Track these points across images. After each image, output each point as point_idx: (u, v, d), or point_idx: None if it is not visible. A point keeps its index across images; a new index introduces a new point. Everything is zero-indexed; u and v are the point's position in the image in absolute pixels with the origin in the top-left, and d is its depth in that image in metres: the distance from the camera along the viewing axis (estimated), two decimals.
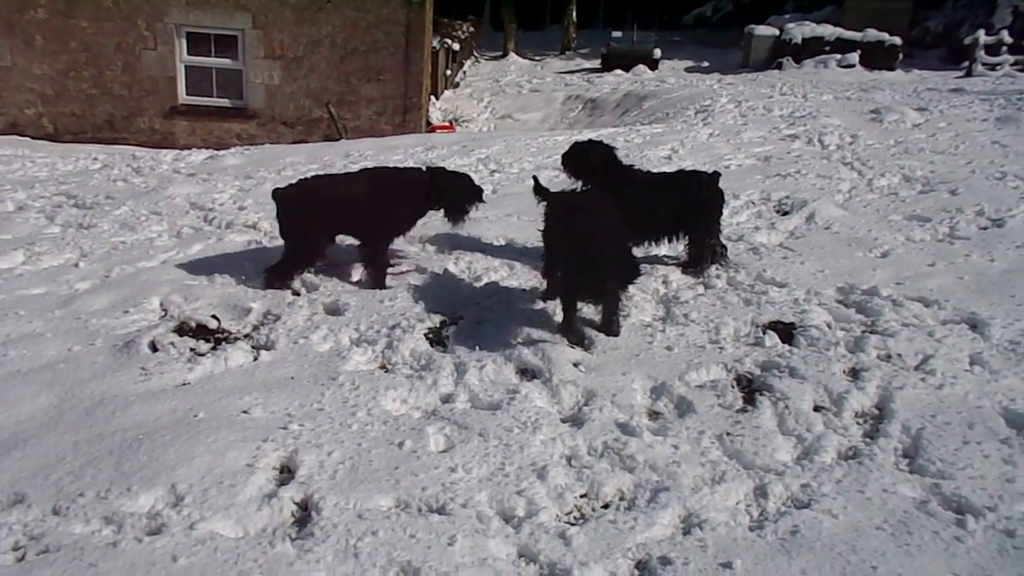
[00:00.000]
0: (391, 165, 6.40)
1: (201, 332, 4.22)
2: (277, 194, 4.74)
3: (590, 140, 5.66)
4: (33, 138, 12.76)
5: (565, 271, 4.15)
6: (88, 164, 9.21)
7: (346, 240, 5.03)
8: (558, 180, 5.99)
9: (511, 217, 6.15)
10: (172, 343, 4.04)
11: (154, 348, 3.99)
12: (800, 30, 20.69)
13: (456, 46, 20.00)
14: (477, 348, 3.96)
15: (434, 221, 5.25)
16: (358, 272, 4.94)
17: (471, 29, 24.52)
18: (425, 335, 4.15)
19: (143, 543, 2.56)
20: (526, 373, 3.77)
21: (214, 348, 4.05)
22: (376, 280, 4.80)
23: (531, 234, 5.35)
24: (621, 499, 2.88)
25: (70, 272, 5.14)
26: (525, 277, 4.93)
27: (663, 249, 5.24)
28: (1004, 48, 18.14)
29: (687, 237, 5.06)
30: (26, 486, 2.86)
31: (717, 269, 4.99)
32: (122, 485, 2.85)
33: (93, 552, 2.51)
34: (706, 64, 23.46)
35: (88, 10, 12.83)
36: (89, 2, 12.78)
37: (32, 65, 13.05)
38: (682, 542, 2.63)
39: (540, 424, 3.29)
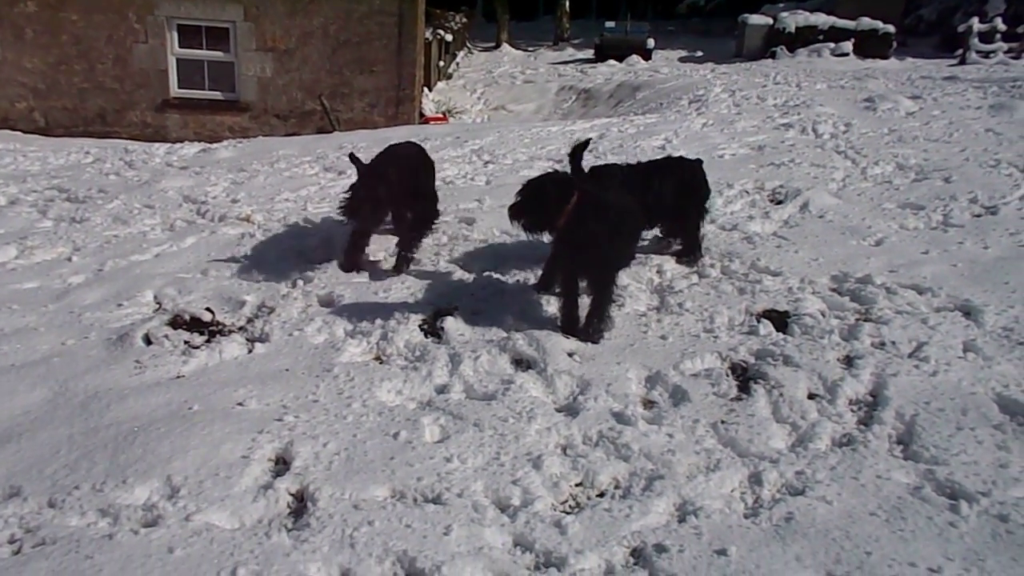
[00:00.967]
0: None
1: (195, 325, 4.21)
2: None
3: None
4: (24, 132, 12.67)
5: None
6: (80, 158, 9.15)
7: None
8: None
9: (505, 208, 6.12)
10: (166, 336, 4.03)
11: (148, 341, 3.99)
12: (794, 19, 20.66)
13: (449, 37, 19.94)
14: (472, 339, 3.96)
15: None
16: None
17: (464, 20, 24.43)
18: (419, 326, 4.15)
19: (139, 535, 2.56)
20: (521, 363, 3.77)
21: (208, 341, 4.05)
22: None
23: None
24: (616, 488, 2.89)
25: (63, 266, 5.12)
26: (519, 268, 4.92)
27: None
28: (998, 36, 18.14)
29: (673, 224, 5.05)
30: (21, 479, 2.86)
31: (711, 258, 4.99)
32: (117, 477, 2.85)
33: (89, 544, 2.51)
34: (700, 54, 23.42)
35: (78, 3, 12.73)
36: None
37: (22, 59, 12.96)
38: (677, 530, 2.64)
39: (535, 414, 3.29)
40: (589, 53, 24.53)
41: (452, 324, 4.13)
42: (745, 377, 3.67)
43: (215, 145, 9.65)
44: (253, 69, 13.34)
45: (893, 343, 3.89)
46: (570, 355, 3.81)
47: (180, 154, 9.12)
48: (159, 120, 13.51)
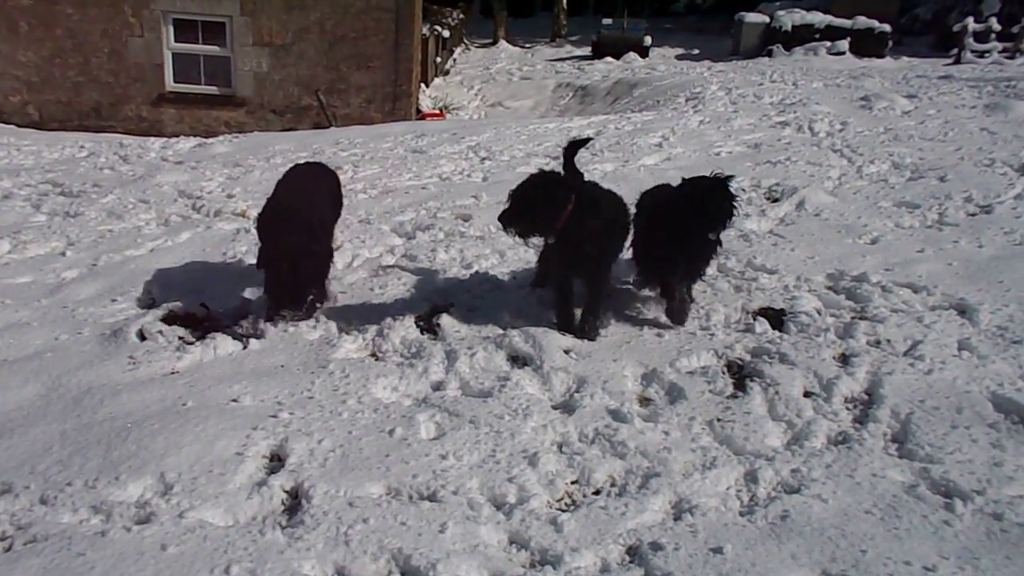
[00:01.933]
0: None
1: (189, 320, 4.19)
2: None
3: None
4: (18, 126, 12.63)
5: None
6: (74, 152, 9.12)
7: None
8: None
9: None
10: (160, 332, 4.00)
11: (142, 337, 3.96)
12: (790, 17, 20.70)
13: (446, 33, 19.92)
14: (468, 335, 3.95)
15: (422, 213, 5.23)
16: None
17: (461, 16, 24.41)
18: (415, 323, 4.13)
19: (132, 532, 2.55)
20: (517, 360, 3.76)
21: (202, 337, 4.02)
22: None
23: None
24: (612, 485, 2.88)
25: (57, 261, 5.10)
26: (515, 265, 4.91)
27: None
28: (993, 35, 18.20)
29: None
30: (13, 476, 2.84)
31: None
32: (110, 474, 2.83)
33: (81, 541, 2.49)
34: (696, 51, 23.43)
35: None
36: None
37: (16, 52, 12.90)
38: (673, 528, 2.63)
39: (531, 411, 3.28)
40: (586, 50, 24.54)
41: (448, 321, 4.12)
42: (741, 375, 3.67)
43: (211, 140, 9.62)
44: (249, 64, 13.30)
45: (888, 341, 3.89)
46: (566, 352, 3.80)
47: (175, 149, 9.09)
48: (154, 114, 13.47)
